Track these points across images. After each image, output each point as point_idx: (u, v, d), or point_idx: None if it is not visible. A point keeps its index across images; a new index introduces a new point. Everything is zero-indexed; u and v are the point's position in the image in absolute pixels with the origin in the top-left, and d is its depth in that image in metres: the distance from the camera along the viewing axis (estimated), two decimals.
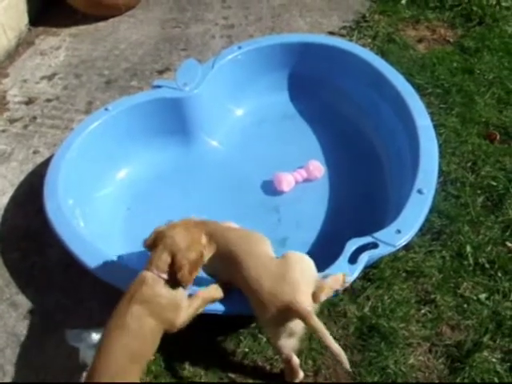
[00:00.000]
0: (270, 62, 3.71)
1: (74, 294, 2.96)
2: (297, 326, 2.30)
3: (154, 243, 2.37)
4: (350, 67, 3.60)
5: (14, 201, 3.43)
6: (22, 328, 2.86)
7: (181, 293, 2.35)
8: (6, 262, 3.14)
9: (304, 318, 2.22)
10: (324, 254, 2.69)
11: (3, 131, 3.89)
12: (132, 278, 2.54)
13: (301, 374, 2.49)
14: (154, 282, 2.30)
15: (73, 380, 2.65)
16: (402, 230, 2.61)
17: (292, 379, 2.51)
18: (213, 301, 2.48)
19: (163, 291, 2.30)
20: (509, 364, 2.54)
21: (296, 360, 2.44)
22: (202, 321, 2.47)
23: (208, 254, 2.44)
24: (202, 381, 2.57)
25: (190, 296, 2.40)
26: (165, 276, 2.30)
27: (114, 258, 2.79)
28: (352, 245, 2.56)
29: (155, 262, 2.31)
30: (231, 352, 2.64)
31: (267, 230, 2.71)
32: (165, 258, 2.30)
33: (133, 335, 2.25)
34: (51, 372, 2.70)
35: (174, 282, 2.31)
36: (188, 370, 2.61)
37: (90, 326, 2.73)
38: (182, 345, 2.59)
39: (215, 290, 2.50)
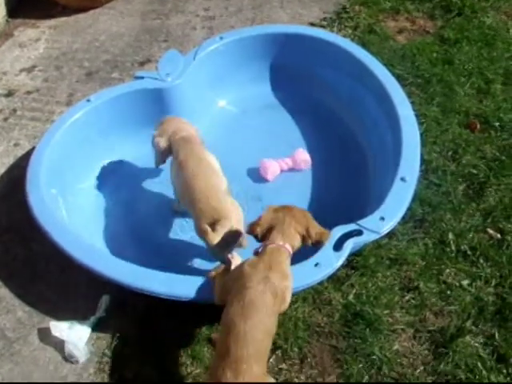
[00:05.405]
0: (252, 52, 3.71)
1: (58, 287, 2.94)
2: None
3: (268, 230, 2.38)
4: (331, 58, 3.61)
5: None
6: (6, 321, 2.84)
7: None
8: None
9: None
10: None
11: None
12: (116, 267, 2.58)
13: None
14: (288, 258, 2.32)
15: (58, 371, 2.64)
16: (386, 217, 2.63)
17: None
18: None
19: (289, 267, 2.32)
20: (491, 348, 2.59)
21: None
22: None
23: None
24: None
25: None
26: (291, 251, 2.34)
27: (98, 248, 2.79)
28: (337, 232, 2.57)
29: (288, 240, 2.33)
30: None
31: (250, 219, 2.71)
32: (296, 237, 2.35)
33: (268, 313, 2.19)
34: (37, 364, 2.68)
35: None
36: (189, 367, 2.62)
37: (75, 318, 2.74)
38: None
39: None
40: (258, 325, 2.12)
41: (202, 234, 2.63)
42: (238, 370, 2.04)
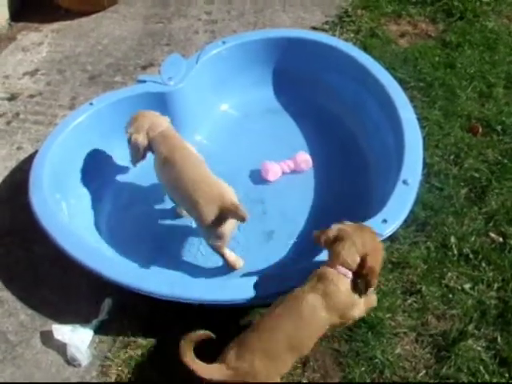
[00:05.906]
0: (254, 56, 3.72)
1: (61, 290, 2.94)
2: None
3: (334, 240, 2.32)
4: (334, 62, 3.61)
5: None
6: (8, 324, 2.85)
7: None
8: None
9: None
10: (311, 245, 2.70)
11: None
12: (119, 268, 2.60)
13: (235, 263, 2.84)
14: (338, 278, 2.25)
15: (61, 374, 2.65)
16: (389, 219, 2.63)
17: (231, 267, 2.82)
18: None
19: (344, 288, 2.26)
20: (493, 352, 2.58)
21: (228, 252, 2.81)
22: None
23: None
24: None
25: None
26: (349, 274, 2.27)
27: (101, 250, 2.79)
28: None
29: (342, 259, 2.26)
30: None
31: (252, 222, 2.73)
32: (354, 258, 2.27)
33: (302, 323, 2.22)
34: (39, 368, 2.69)
35: (355, 281, 2.29)
36: None
37: (77, 321, 2.74)
38: None
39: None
40: (286, 331, 2.20)
41: (206, 224, 2.65)
42: (241, 355, 2.16)
